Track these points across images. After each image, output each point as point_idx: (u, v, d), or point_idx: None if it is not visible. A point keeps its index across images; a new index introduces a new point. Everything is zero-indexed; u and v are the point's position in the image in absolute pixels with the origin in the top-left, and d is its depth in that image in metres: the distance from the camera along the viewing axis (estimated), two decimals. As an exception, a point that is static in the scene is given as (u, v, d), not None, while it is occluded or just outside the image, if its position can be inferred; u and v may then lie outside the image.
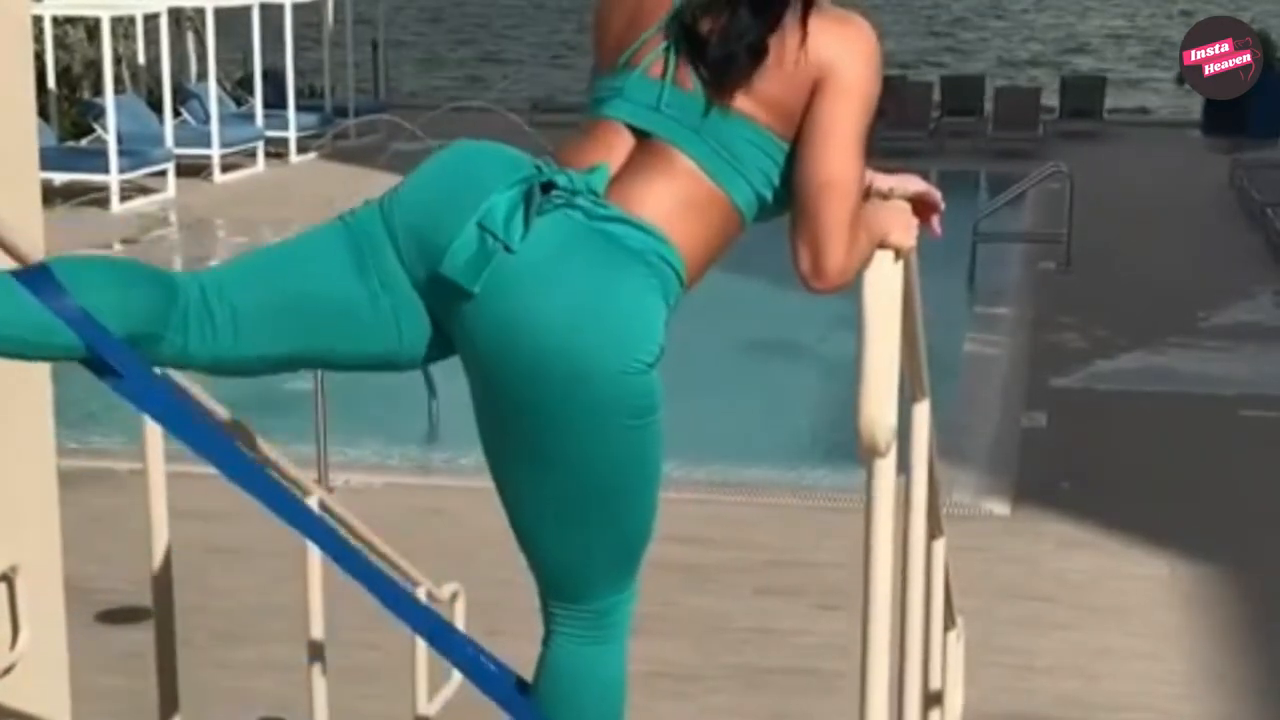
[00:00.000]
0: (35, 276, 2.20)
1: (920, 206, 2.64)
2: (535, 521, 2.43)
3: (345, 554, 2.36)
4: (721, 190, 2.42)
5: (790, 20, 2.41)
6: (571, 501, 2.38)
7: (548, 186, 2.32)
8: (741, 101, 2.42)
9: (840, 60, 2.40)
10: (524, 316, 2.29)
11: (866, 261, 2.34)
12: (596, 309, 2.29)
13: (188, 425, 2.29)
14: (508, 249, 2.28)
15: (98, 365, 2.20)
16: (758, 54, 2.40)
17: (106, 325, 2.19)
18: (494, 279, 2.30)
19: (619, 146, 2.44)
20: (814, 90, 2.40)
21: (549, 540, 2.44)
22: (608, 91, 2.49)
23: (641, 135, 2.44)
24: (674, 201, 2.39)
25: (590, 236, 2.32)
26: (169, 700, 2.93)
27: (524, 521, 2.45)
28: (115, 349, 2.19)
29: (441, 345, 2.42)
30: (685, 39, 2.43)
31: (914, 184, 2.71)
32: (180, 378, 3.11)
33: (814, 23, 2.41)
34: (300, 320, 2.38)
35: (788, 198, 2.44)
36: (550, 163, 2.40)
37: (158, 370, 2.44)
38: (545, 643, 2.53)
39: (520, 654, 2.62)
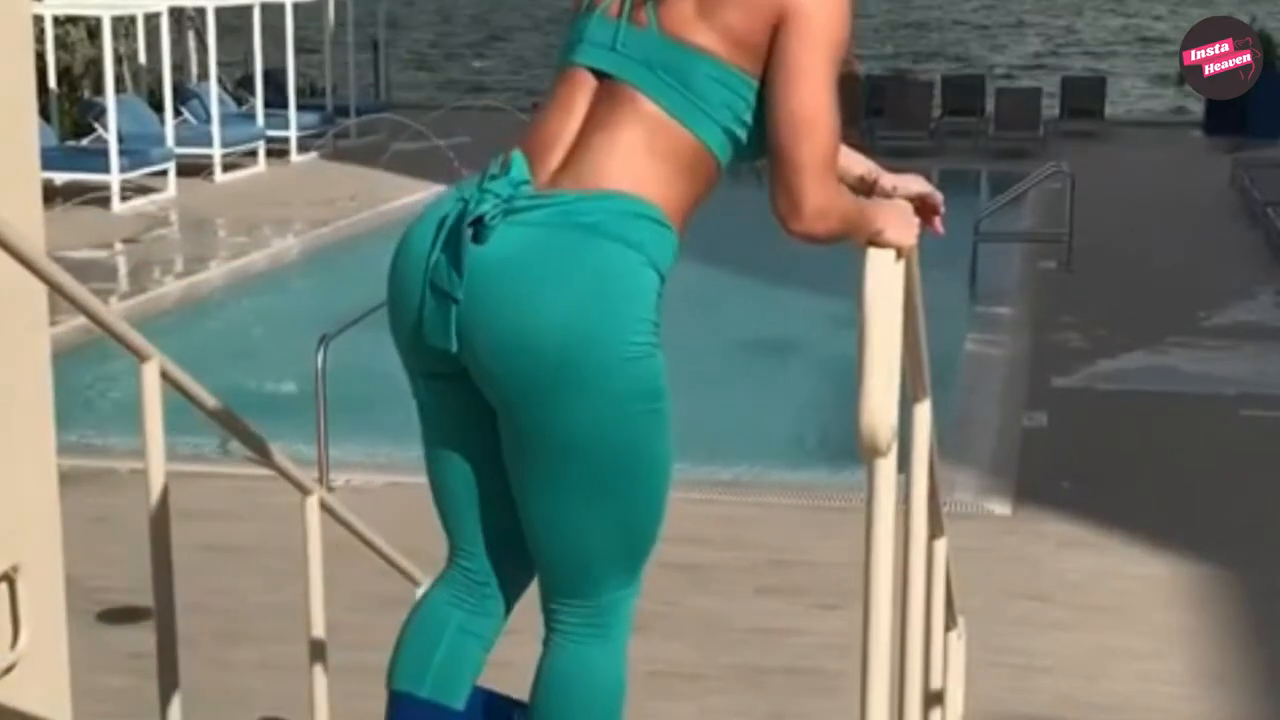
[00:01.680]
0: (404, 708, 2.49)
1: (922, 207, 2.64)
2: (546, 517, 2.44)
3: None
4: (688, 131, 2.40)
5: None
6: (582, 492, 2.39)
7: (478, 218, 2.31)
8: (697, 34, 2.39)
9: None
10: (517, 336, 2.30)
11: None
12: (584, 304, 2.29)
13: None
14: (455, 300, 2.31)
15: None
16: None
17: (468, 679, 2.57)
18: (469, 320, 2.31)
19: (582, 98, 2.43)
20: (777, 28, 2.38)
21: (558, 535, 2.45)
22: (573, 35, 2.49)
23: (605, 79, 2.43)
24: (640, 153, 2.38)
25: (547, 233, 2.32)
26: (169, 699, 2.93)
27: (535, 518, 2.46)
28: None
29: None
30: None
31: (917, 184, 2.72)
32: (177, 372, 3.12)
33: None
34: (505, 489, 2.50)
35: (763, 139, 2.42)
36: (477, 179, 2.39)
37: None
38: (546, 644, 2.53)
39: (525, 653, 2.62)
